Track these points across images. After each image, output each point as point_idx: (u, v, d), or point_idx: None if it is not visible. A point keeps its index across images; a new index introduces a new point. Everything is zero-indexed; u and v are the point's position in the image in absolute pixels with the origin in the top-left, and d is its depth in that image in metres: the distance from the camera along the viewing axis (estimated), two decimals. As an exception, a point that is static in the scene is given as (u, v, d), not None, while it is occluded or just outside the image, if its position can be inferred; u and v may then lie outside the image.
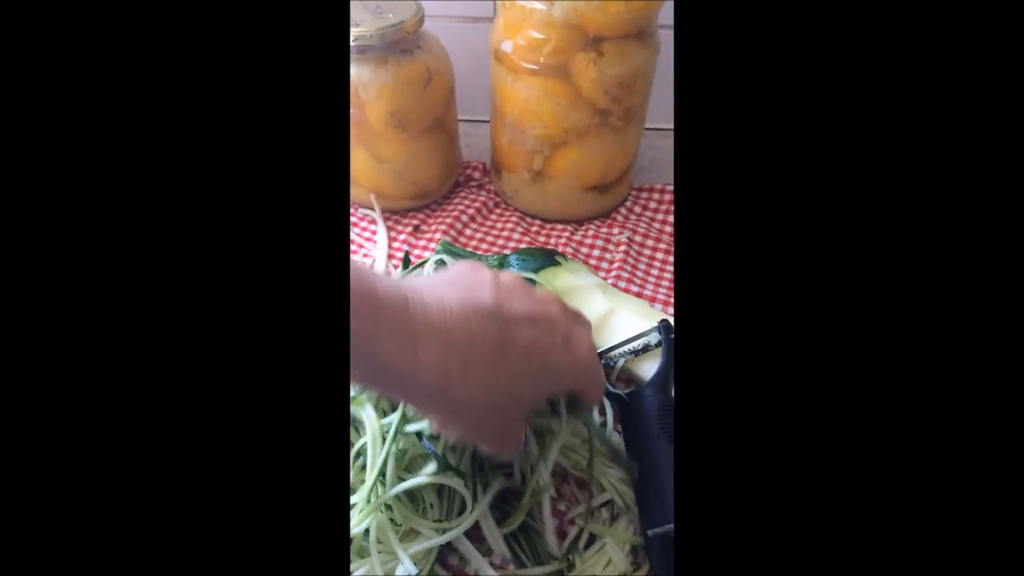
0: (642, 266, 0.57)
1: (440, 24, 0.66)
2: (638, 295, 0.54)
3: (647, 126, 0.63)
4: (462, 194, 0.64)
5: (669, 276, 0.56)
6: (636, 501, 0.39)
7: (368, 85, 0.52)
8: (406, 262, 0.55)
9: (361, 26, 0.50)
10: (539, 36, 0.49)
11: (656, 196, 0.64)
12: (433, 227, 0.60)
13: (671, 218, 0.62)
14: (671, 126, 0.75)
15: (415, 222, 0.61)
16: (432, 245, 0.58)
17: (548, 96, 0.51)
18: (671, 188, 0.64)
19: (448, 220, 0.60)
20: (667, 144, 0.73)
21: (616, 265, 0.56)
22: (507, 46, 0.51)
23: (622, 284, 0.54)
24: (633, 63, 0.50)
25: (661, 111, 0.73)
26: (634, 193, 0.64)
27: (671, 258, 0.58)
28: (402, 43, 0.52)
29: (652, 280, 0.56)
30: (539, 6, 0.47)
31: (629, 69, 0.50)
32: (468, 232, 0.60)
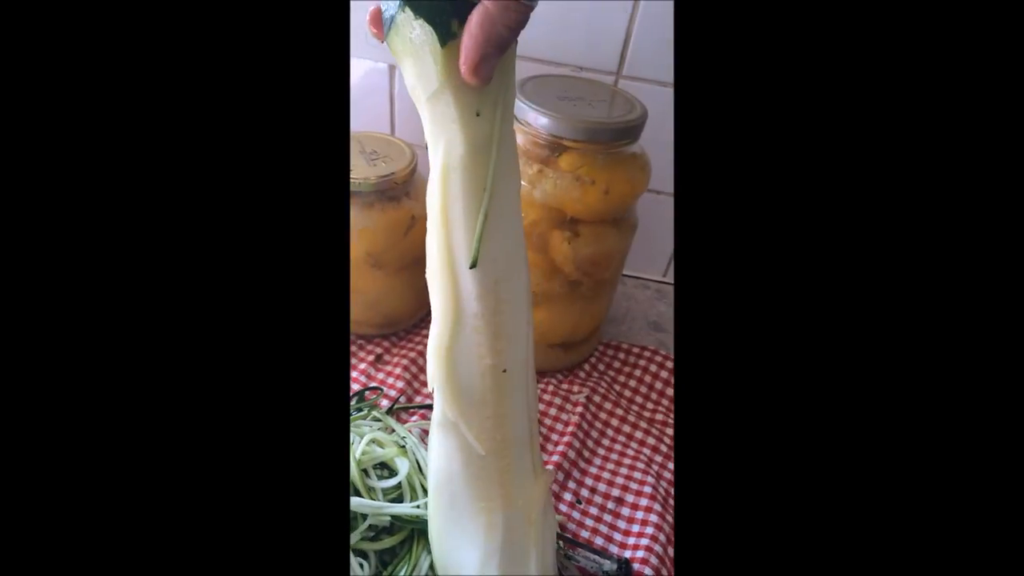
0: (595, 430, 0.57)
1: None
2: (588, 462, 0.54)
3: (625, 272, 0.63)
4: (431, 327, 0.65)
5: (622, 442, 0.56)
6: None
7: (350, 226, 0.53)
8: (360, 396, 0.55)
9: (354, 171, 0.52)
10: (518, 213, 0.50)
11: (621, 356, 0.64)
12: (395, 359, 0.60)
13: (631, 381, 0.63)
14: (647, 275, 0.76)
15: (379, 351, 0.61)
16: (391, 380, 0.58)
17: (522, 262, 0.53)
18: (636, 348, 0.65)
19: (411, 355, 0.60)
20: (643, 295, 0.74)
21: (570, 430, 0.56)
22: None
23: (577, 444, 0.54)
24: (607, 245, 0.52)
25: (640, 261, 0.75)
26: (600, 348, 0.65)
27: (625, 425, 0.58)
28: (390, 191, 0.53)
29: (604, 446, 0.56)
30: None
31: (603, 250, 0.52)
32: (430, 370, 0.60)
